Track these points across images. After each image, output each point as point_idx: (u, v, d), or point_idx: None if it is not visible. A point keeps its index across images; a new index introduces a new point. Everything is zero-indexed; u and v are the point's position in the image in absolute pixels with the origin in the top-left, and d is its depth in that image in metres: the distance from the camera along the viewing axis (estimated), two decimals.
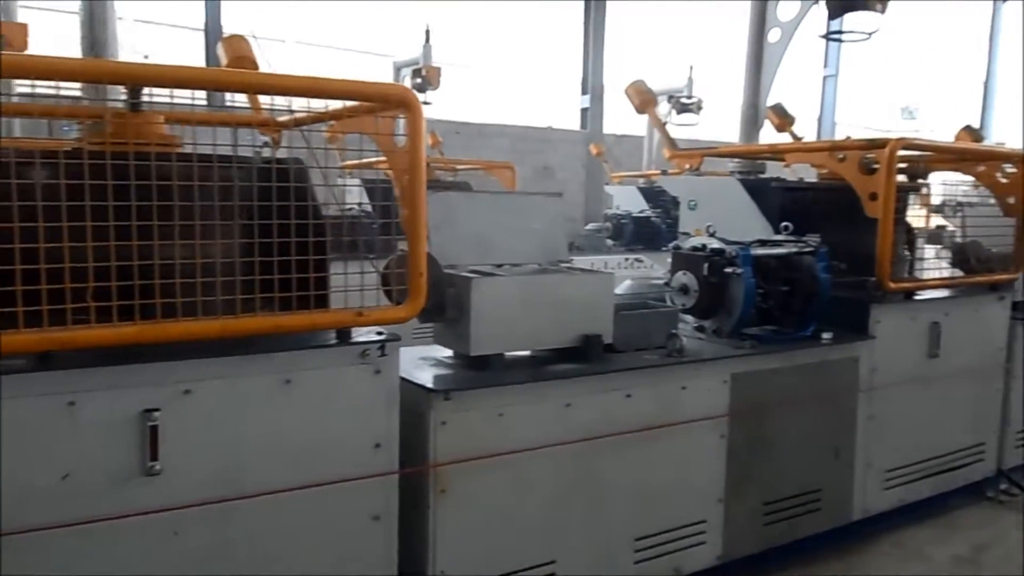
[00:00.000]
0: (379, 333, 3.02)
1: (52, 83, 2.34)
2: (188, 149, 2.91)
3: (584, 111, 15.47)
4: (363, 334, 2.99)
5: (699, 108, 12.13)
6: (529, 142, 14.29)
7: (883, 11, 5.14)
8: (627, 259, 9.49)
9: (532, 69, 14.85)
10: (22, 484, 2.41)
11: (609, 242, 10.59)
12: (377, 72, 12.41)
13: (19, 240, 2.29)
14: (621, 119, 14.74)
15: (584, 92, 15.46)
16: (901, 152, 4.58)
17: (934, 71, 20.84)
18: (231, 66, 3.96)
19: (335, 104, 3.12)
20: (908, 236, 5.45)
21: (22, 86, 2.35)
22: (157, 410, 2.56)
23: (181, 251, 2.64)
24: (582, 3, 15.37)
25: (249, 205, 2.85)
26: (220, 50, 4.08)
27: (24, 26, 6.94)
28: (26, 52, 6.25)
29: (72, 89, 2.82)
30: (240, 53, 4.01)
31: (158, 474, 2.58)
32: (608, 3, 15.30)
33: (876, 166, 4.54)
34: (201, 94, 2.71)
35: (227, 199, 2.79)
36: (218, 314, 2.65)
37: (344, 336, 2.96)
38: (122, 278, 2.47)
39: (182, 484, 2.64)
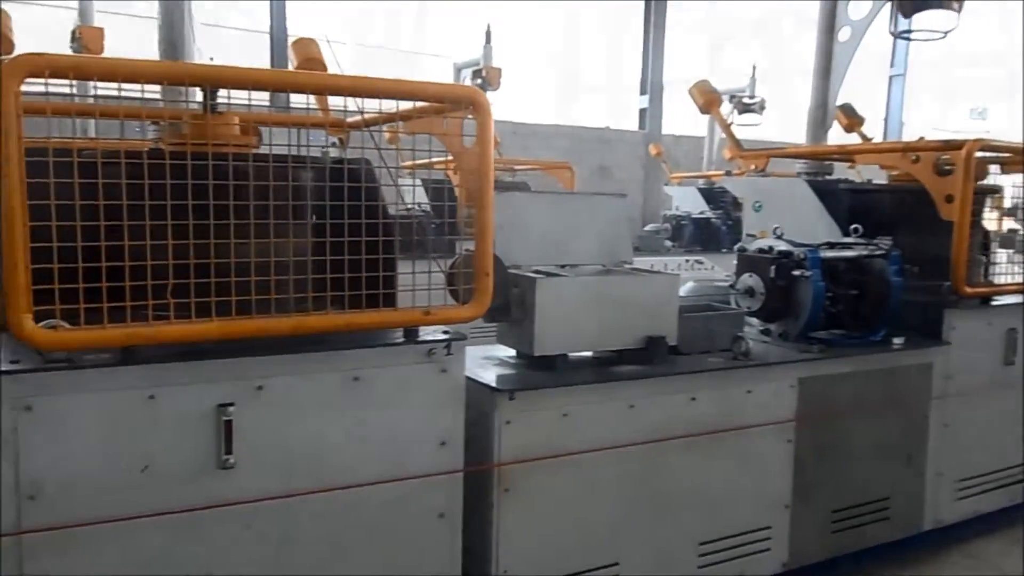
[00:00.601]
0: (445, 332, 3.04)
1: (136, 85, 2.40)
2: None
3: (643, 111, 15.34)
4: (429, 333, 3.02)
5: (761, 108, 11.94)
6: (587, 142, 14.23)
7: (959, 9, 4.98)
8: (687, 260, 9.39)
9: (589, 69, 14.80)
10: (105, 475, 2.48)
11: (668, 243, 10.50)
12: (435, 73, 12.53)
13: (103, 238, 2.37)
14: (679, 119, 14.60)
15: (643, 92, 15.33)
16: (978, 154, 4.45)
17: (1004, 71, 20.15)
18: (301, 67, 4.05)
19: (404, 105, 3.15)
20: (983, 240, 5.29)
21: (102, 88, 2.41)
22: (231, 405, 2.62)
23: (256, 249, 2.69)
24: (642, 3, 15.25)
25: (320, 205, 2.91)
26: (290, 52, 4.18)
27: (100, 30, 7.18)
28: (103, 55, 6.45)
29: (148, 92, 2.89)
30: (310, 55, 4.11)
31: (232, 467, 2.63)
32: (668, 2, 15.15)
33: (950, 167, 4.42)
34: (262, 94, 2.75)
35: (299, 199, 2.85)
36: (291, 312, 2.71)
37: (411, 335, 2.98)
38: (198, 276, 2.53)
39: (254, 478, 2.69)
